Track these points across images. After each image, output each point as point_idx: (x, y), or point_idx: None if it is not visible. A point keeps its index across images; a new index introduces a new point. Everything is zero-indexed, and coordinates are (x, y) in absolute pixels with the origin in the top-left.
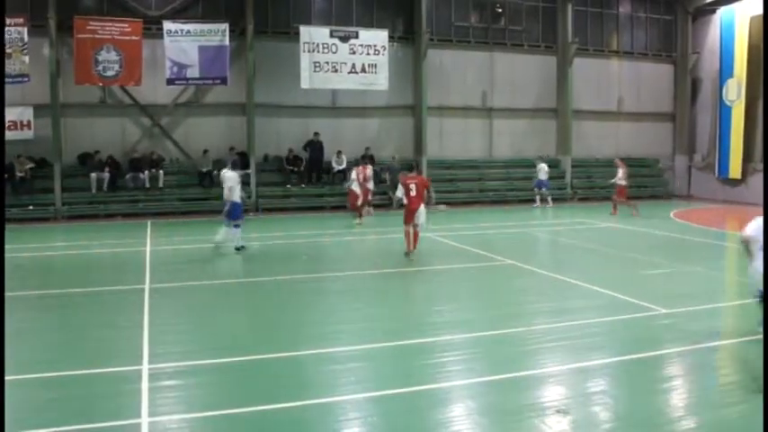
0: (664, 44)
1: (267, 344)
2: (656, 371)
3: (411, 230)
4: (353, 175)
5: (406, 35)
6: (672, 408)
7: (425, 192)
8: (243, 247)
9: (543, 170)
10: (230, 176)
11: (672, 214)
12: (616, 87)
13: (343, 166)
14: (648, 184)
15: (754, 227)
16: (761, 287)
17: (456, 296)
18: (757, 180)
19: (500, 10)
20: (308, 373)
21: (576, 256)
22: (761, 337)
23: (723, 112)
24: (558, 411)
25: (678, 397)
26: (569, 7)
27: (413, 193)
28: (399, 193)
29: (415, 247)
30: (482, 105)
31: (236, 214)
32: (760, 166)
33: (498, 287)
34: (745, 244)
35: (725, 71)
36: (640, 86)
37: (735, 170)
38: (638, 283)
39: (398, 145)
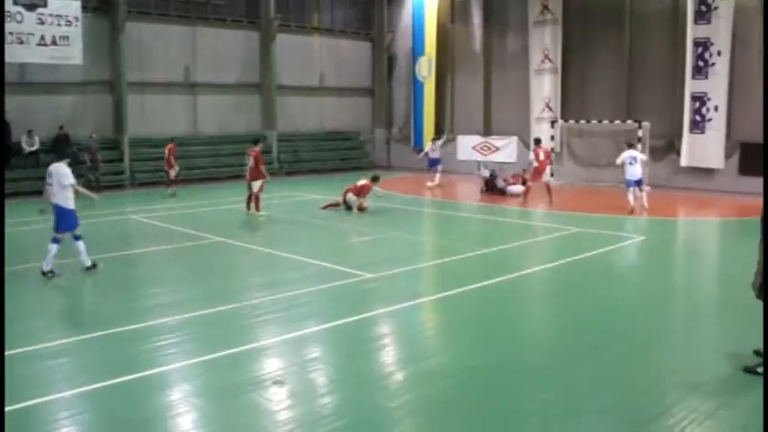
0: (362, 22)
1: None
2: (366, 332)
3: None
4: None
5: (101, 6)
6: (382, 364)
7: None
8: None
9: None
10: (67, 172)
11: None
12: (318, 63)
13: (35, 147)
14: (351, 156)
15: (623, 156)
16: (627, 177)
17: (167, 278)
18: (448, 148)
19: None
20: (8, 375)
21: (286, 230)
22: (458, 291)
23: (416, 87)
24: (274, 383)
25: (388, 354)
26: None
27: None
28: None
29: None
30: (185, 81)
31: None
32: (451, 136)
33: (210, 265)
34: (620, 164)
35: (417, 49)
36: (341, 63)
37: (428, 141)
38: (346, 251)
39: (97, 123)
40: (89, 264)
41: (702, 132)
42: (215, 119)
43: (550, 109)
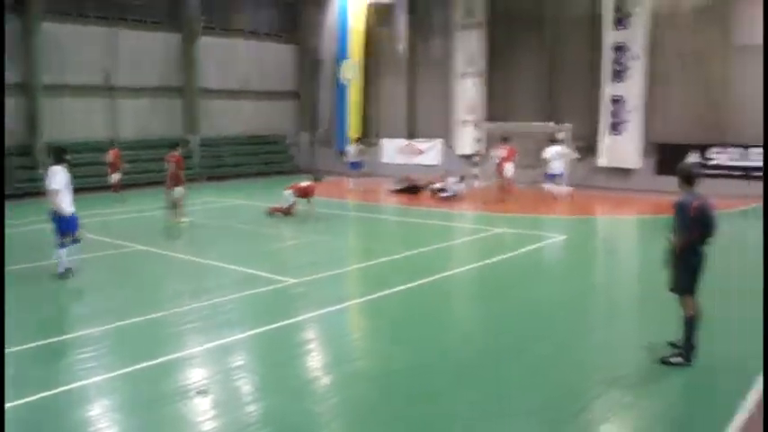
0: (286, 25)
1: None
2: (291, 338)
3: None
4: None
5: (15, 6)
6: (308, 370)
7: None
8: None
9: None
10: (55, 176)
11: None
12: (242, 66)
13: None
14: (275, 160)
15: (551, 152)
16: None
17: (88, 288)
18: (373, 152)
19: None
20: None
21: (209, 236)
22: (384, 294)
23: (341, 90)
24: (198, 392)
25: (314, 359)
26: None
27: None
28: None
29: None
30: (104, 84)
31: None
32: (375, 140)
33: (131, 274)
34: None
35: (342, 52)
36: (265, 66)
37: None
38: (270, 256)
39: (8, 128)
40: (62, 270)
41: (620, 134)
42: (135, 123)
43: (474, 111)
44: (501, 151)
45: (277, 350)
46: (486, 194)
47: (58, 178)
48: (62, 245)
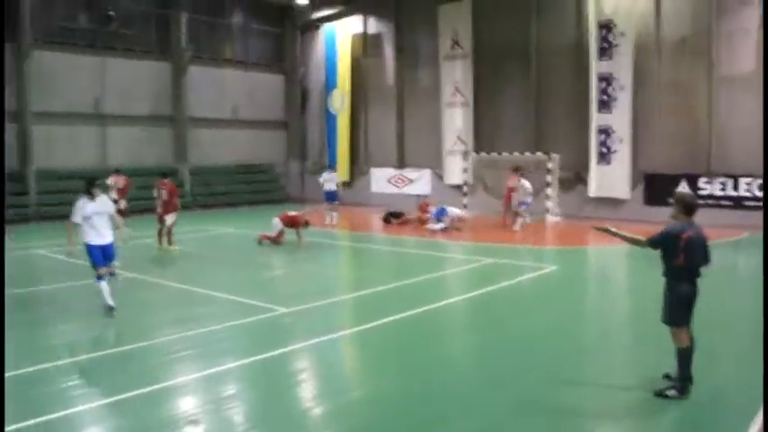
0: (275, 55)
1: None
2: (283, 368)
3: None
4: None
5: (7, 34)
6: (301, 400)
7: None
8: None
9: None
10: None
11: None
12: (231, 96)
13: None
14: (265, 189)
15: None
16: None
17: (76, 316)
18: (363, 181)
19: (112, 13)
20: None
21: (199, 265)
22: (376, 324)
23: (330, 119)
24: (190, 422)
25: (306, 389)
26: (183, 15)
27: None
28: None
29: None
30: (94, 112)
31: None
32: (365, 168)
33: (121, 302)
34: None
35: (330, 82)
36: (254, 95)
37: (343, 173)
38: (261, 285)
39: None
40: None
41: (608, 164)
42: (125, 151)
43: (462, 141)
44: (510, 181)
45: (269, 380)
46: (477, 224)
47: (75, 208)
48: (98, 277)
